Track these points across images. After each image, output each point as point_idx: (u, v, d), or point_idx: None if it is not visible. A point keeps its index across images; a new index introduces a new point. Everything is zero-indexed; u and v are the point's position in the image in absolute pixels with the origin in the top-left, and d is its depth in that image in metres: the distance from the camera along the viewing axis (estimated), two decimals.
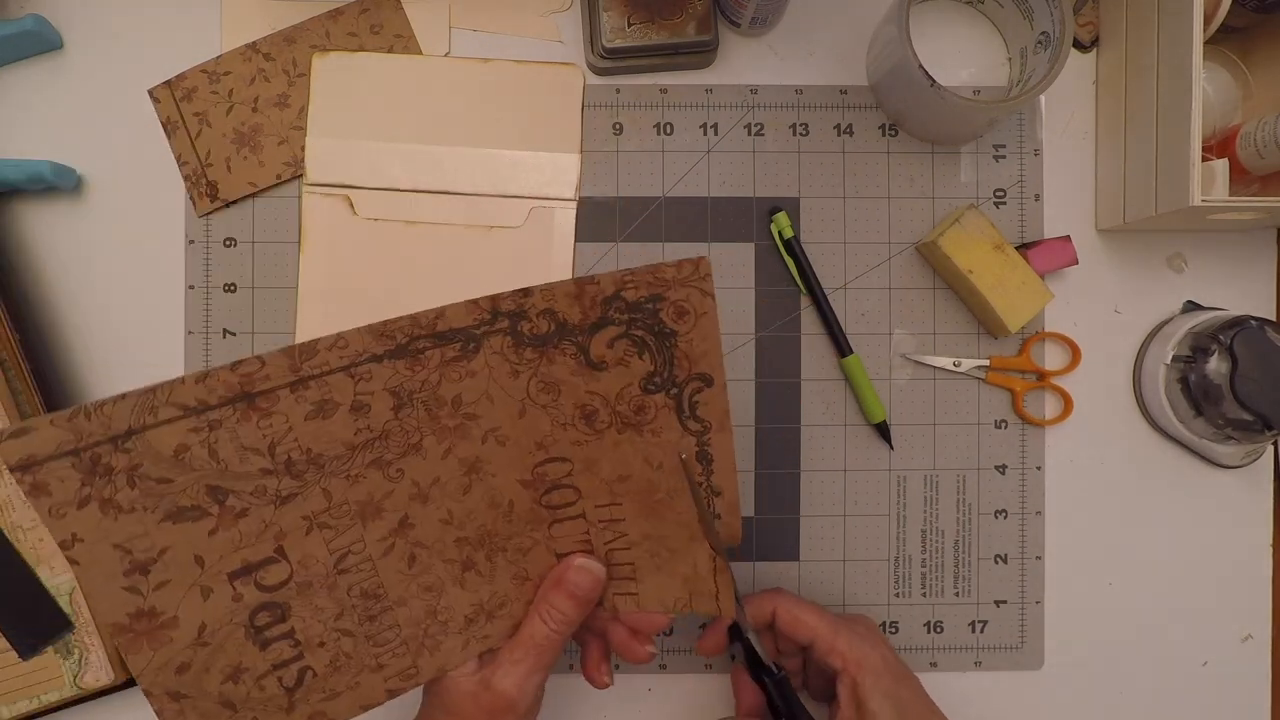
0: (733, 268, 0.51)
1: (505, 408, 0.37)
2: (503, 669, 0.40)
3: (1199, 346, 0.48)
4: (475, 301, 0.36)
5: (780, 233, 0.51)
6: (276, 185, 0.51)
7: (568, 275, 0.51)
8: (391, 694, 0.39)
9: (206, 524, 0.34)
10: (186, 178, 0.51)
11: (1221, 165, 0.44)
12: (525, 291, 0.36)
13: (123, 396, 0.32)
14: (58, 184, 0.49)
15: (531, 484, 0.39)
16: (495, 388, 0.37)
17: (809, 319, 0.51)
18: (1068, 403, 0.52)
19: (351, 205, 0.51)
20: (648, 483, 0.39)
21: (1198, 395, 0.48)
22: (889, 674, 0.43)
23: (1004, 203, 0.52)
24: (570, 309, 0.36)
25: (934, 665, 0.51)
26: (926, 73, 0.45)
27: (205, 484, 0.34)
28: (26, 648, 0.46)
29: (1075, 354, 0.52)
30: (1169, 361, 0.49)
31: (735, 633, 0.45)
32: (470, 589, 0.40)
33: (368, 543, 0.37)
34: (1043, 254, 0.50)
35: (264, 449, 0.34)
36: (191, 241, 0.51)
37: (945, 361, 0.51)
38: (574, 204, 0.51)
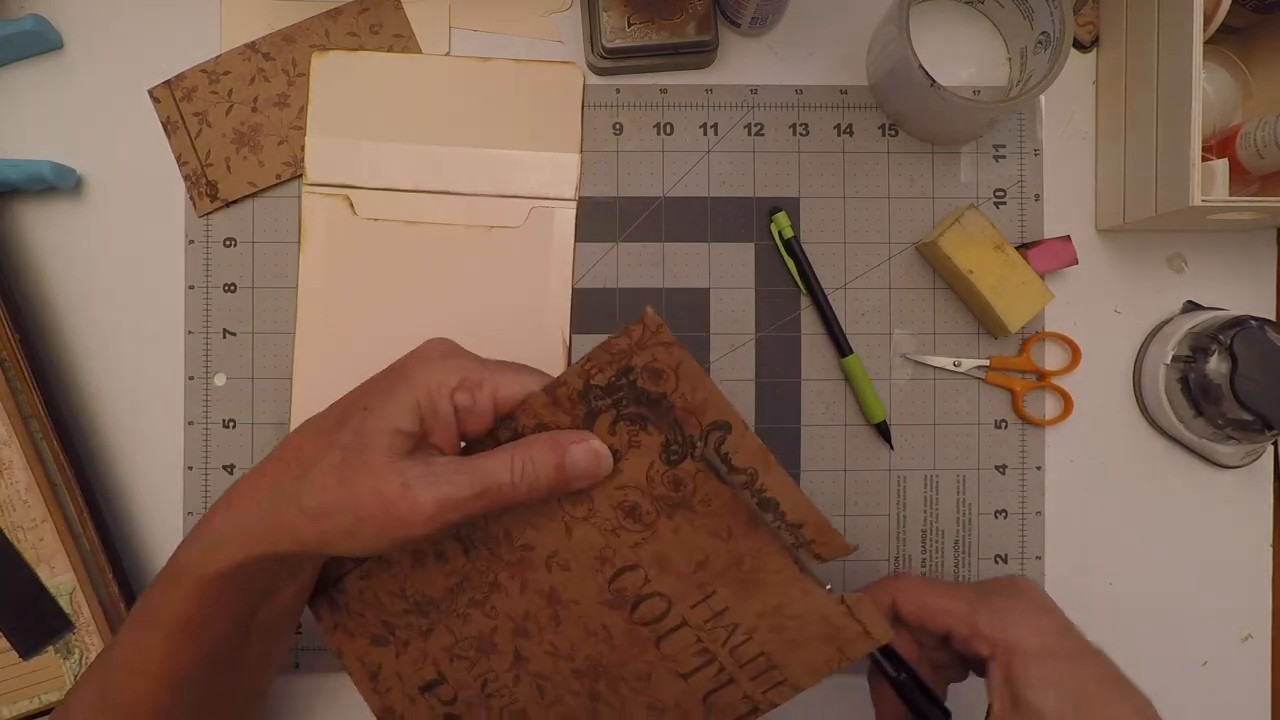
0: (733, 268, 0.51)
1: (551, 530, 0.37)
2: (434, 478, 0.33)
3: (1199, 346, 0.48)
4: (478, 443, 0.36)
5: (780, 233, 0.51)
6: (276, 185, 0.51)
7: (567, 275, 0.51)
8: None
9: (392, 649, 0.40)
10: (186, 178, 0.51)
11: (1221, 165, 0.44)
12: (509, 417, 0.35)
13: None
14: (58, 184, 0.49)
15: (615, 604, 0.38)
16: (532, 514, 0.37)
17: (809, 319, 0.51)
18: (1068, 403, 0.52)
19: (351, 205, 0.51)
20: (729, 557, 0.36)
21: (1198, 395, 0.48)
22: (1054, 655, 0.35)
23: (1004, 203, 0.52)
24: (556, 416, 0.35)
25: None
26: (926, 73, 0.45)
27: (380, 619, 0.40)
28: (27, 648, 0.46)
29: (1075, 354, 0.52)
30: (1169, 361, 0.49)
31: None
32: None
33: (498, 672, 0.40)
34: (1043, 254, 0.50)
35: (397, 592, 0.39)
36: (191, 241, 0.51)
37: (945, 361, 0.51)
38: (574, 204, 0.51)
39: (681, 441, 0.34)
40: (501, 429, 0.35)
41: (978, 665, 0.38)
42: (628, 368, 0.33)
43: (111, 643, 0.38)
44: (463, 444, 0.36)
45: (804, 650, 0.37)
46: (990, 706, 0.36)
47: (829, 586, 0.36)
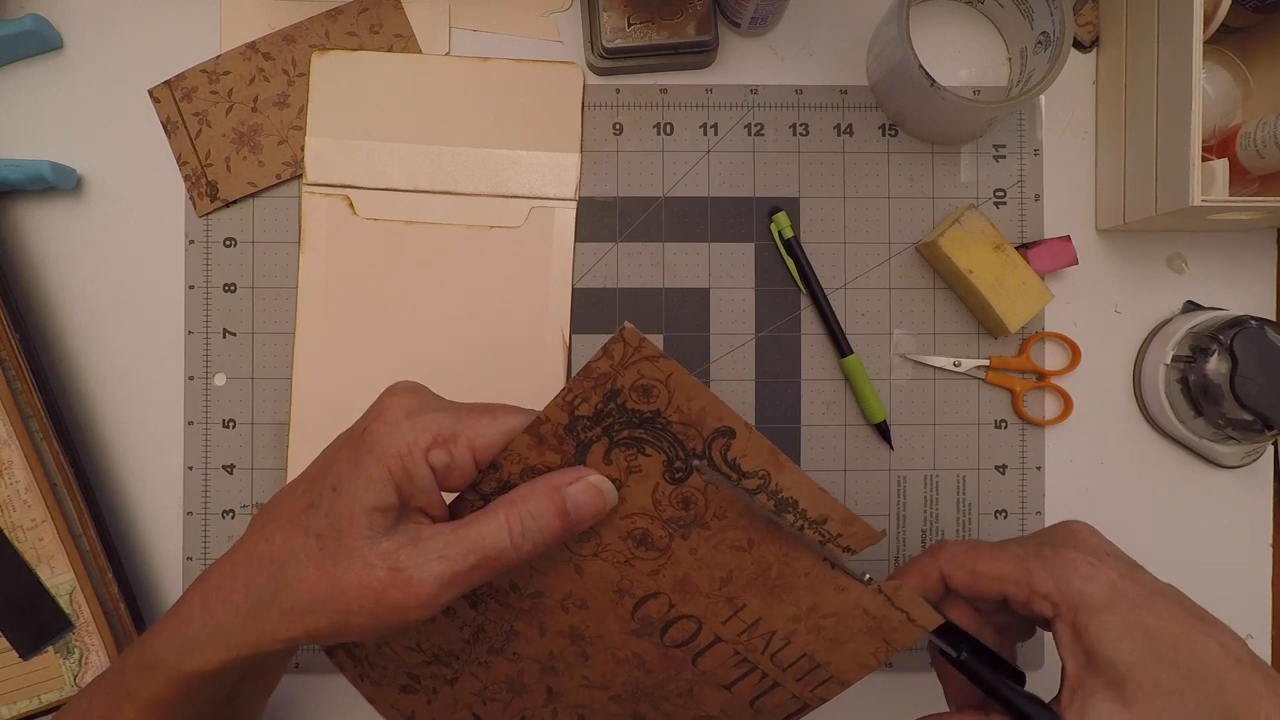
0: (733, 268, 0.51)
1: (559, 574, 0.35)
2: (424, 557, 0.30)
3: (1199, 346, 0.48)
4: (461, 498, 0.34)
5: (780, 233, 0.51)
6: (276, 185, 0.51)
7: (567, 275, 0.51)
8: None
9: (422, 696, 0.40)
10: (186, 178, 0.51)
11: (1221, 165, 0.44)
12: (493, 467, 0.33)
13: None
14: (58, 184, 0.49)
15: (641, 633, 0.36)
16: (537, 561, 0.35)
17: (809, 319, 0.51)
18: (1068, 403, 0.52)
19: (351, 205, 0.51)
20: (754, 568, 0.34)
21: (1198, 395, 0.48)
22: (1123, 601, 0.33)
23: (1004, 203, 0.52)
24: (544, 456, 0.33)
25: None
26: (926, 73, 0.45)
27: (405, 671, 0.39)
28: (26, 648, 0.46)
29: (1075, 354, 0.52)
30: (1169, 361, 0.49)
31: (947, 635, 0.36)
32: None
33: (534, 708, 0.39)
34: (1043, 254, 0.50)
35: (414, 646, 0.38)
36: (191, 241, 0.51)
37: (945, 361, 0.51)
38: (574, 204, 0.51)
39: (684, 457, 0.32)
40: (485, 481, 0.33)
41: (1044, 623, 0.36)
42: (614, 390, 0.31)
43: (85, 697, 0.36)
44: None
45: (848, 646, 0.36)
46: (1064, 668, 0.34)
47: (867, 577, 0.34)
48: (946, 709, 0.39)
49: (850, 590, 0.34)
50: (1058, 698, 0.35)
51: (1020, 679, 0.36)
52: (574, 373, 0.50)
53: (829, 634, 0.35)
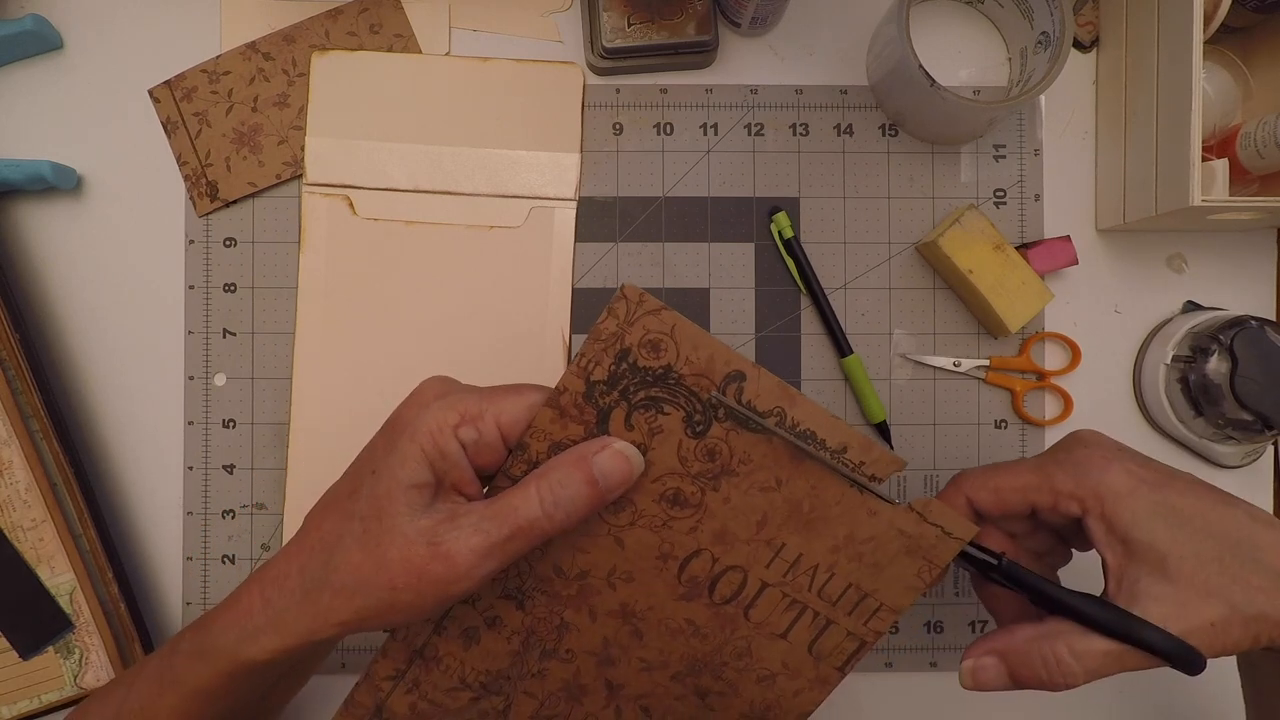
0: (733, 268, 0.51)
1: (601, 548, 0.36)
2: (461, 530, 0.31)
3: (1199, 346, 0.48)
4: (494, 485, 0.34)
5: (780, 233, 0.51)
6: (276, 185, 0.51)
7: (567, 275, 0.51)
8: None
9: None
10: (186, 178, 0.51)
11: (1221, 165, 0.44)
12: (521, 447, 0.34)
13: (356, 688, 0.38)
14: (58, 184, 0.49)
15: (691, 595, 0.36)
16: (577, 539, 0.35)
17: (809, 319, 0.51)
18: (1068, 403, 0.52)
19: (351, 205, 0.51)
20: (786, 506, 0.35)
21: (1198, 395, 0.48)
22: (1144, 485, 0.34)
23: (1004, 203, 0.52)
24: (568, 429, 0.33)
25: (934, 665, 0.51)
26: (926, 73, 0.45)
27: None
28: (27, 648, 0.46)
29: (1075, 354, 0.52)
30: (1169, 361, 0.49)
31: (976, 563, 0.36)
32: (722, 711, 0.38)
33: (595, 713, 0.38)
34: (1043, 254, 0.50)
35: (459, 684, 0.38)
36: (191, 241, 0.51)
37: (945, 361, 0.51)
38: (574, 204, 0.51)
39: (702, 409, 0.33)
40: (514, 464, 0.34)
41: (1074, 533, 0.37)
42: (624, 350, 0.32)
43: (121, 684, 0.37)
44: (485, 490, 0.34)
45: (891, 570, 0.36)
46: (1104, 564, 0.34)
47: (897, 500, 0.35)
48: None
49: (882, 513, 0.35)
50: (1105, 592, 0.35)
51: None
52: None
53: (870, 560, 0.35)
